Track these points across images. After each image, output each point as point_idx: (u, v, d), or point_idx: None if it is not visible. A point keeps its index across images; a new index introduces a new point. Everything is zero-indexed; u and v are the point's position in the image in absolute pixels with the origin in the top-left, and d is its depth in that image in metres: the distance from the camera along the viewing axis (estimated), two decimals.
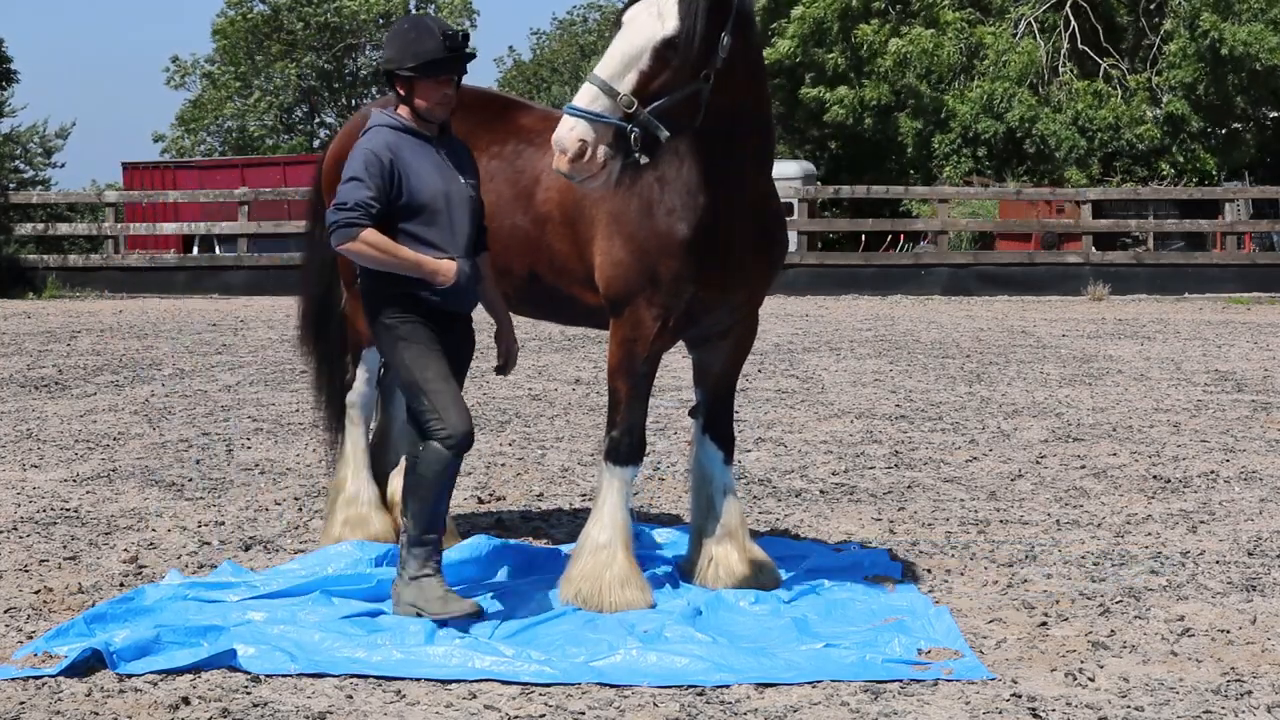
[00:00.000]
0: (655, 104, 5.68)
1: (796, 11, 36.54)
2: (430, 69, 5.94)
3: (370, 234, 5.84)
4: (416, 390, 5.91)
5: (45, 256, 28.20)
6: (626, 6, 5.89)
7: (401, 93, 6.02)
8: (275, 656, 5.57)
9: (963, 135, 35.48)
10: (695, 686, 5.36)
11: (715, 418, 6.64)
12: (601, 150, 5.61)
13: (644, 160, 5.73)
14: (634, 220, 6.19)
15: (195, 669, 5.47)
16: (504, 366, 6.30)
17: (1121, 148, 34.82)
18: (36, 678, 5.36)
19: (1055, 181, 33.78)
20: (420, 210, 5.93)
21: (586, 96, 5.64)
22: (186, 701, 5.18)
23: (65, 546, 7.44)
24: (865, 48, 35.68)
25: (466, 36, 6.05)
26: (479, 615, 5.91)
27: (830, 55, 35.85)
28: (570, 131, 5.57)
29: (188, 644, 5.60)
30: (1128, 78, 35.65)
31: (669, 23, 5.72)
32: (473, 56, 6.06)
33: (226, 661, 5.53)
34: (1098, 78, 35.73)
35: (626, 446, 6.32)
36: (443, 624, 5.83)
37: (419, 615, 5.88)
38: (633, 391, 6.30)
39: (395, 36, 6.04)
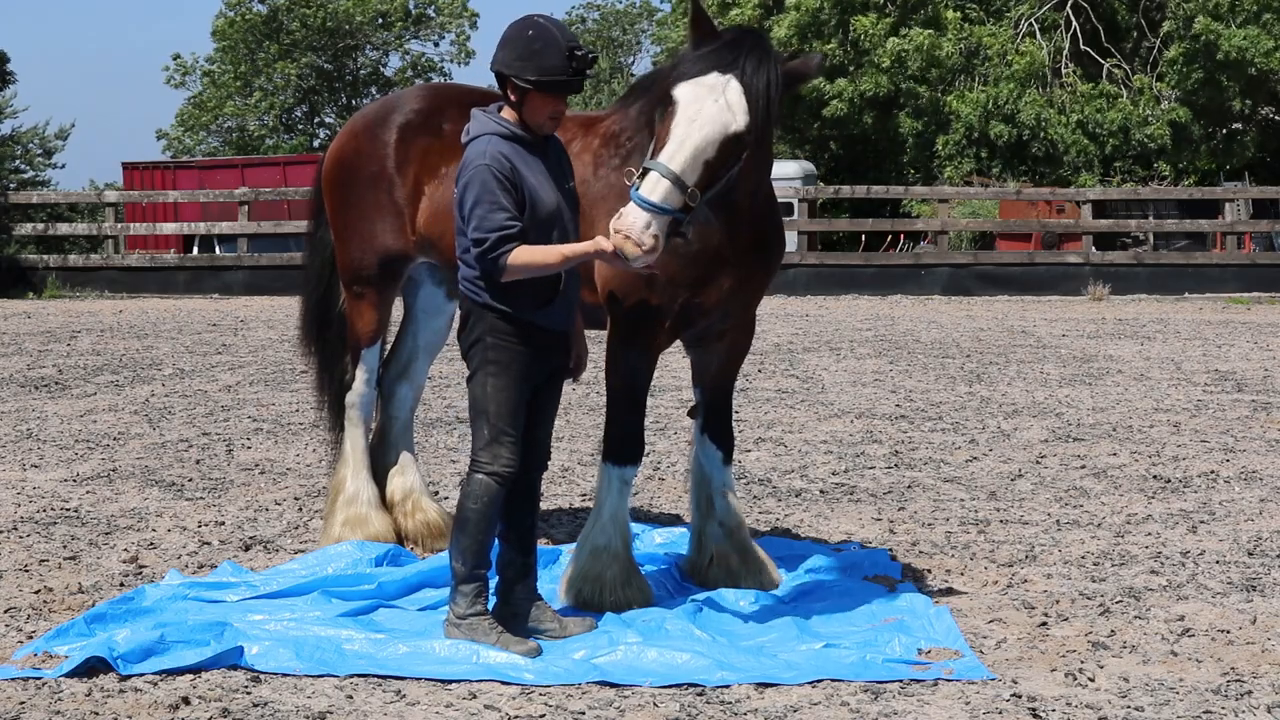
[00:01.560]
0: (710, 190, 5.65)
1: (793, 0, 36.53)
2: (551, 87, 5.66)
3: (515, 255, 5.58)
4: (480, 416, 5.73)
5: (45, 256, 28.19)
6: (675, 80, 5.73)
7: (513, 98, 5.74)
8: (280, 654, 5.57)
9: (967, 137, 35.47)
10: (696, 685, 5.36)
11: (714, 417, 6.65)
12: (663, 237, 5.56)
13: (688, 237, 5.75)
14: None
15: (199, 668, 5.48)
16: (574, 370, 6.08)
17: (1132, 149, 34.80)
18: (37, 678, 5.36)
19: (1059, 183, 33.78)
20: (538, 225, 5.69)
21: (661, 191, 5.51)
22: (186, 701, 5.18)
23: (65, 546, 7.44)
24: (865, 39, 35.66)
25: (595, 59, 5.81)
26: (538, 654, 5.67)
27: (829, 46, 35.81)
28: (647, 230, 5.46)
29: (194, 643, 5.59)
30: (1132, 78, 35.65)
31: (740, 118, 5.64)
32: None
33: (234, 659, 5.53)
34: (1101, 78, 35.73)
35: (626, 446, 6.32)
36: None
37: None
38: (631, 391, 6.30)
39: (517, 41, 5.68)
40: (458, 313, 7.62)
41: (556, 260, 5.65)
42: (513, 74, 5.68)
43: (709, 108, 5.65)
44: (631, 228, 5.46)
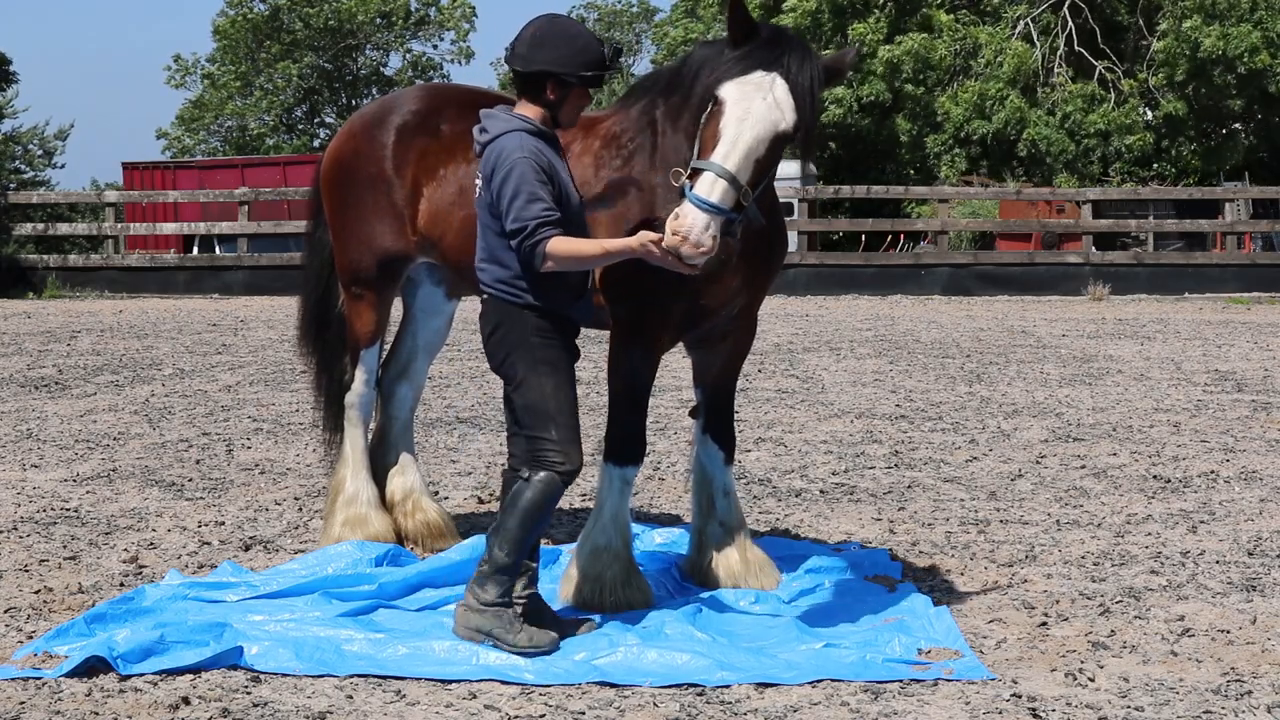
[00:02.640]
0: (757, 189, 5.63)
1: (790, 3, 36.52)
2: (596, 81, 5.72)
3: (554, 243, 5.57)
4: (545, 419, 5.68)
5: (45, 256, 28.22)
6: (719, 79, 5.68)
7: (552, 97, 5.74)
8: (280, 654, 5.57)
9: (954, 135, 35.50)
10: (696, 686, 5.36)
11: (715, 418, 6.65)
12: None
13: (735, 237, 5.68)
14: (634, 222, 6.19)
15: (199, 668, 5.48)
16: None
17: (1109, 154, 34.84)
18: (37, 678, 5.36)
19: (1048, 183, 33.80)
20: (568, 220, 5.70)
21: (719, 191, 5.48)
22: (186, 701, 5.18)
23: (65, 546, 7.44)
24: (862, 45, 35.69)
25: (621, 50, 5.87)
26: (557, 647, 5.68)
27: (826, 51, 35.83)
28: (706, 231, 5.43)
29: (194, 643, 5.59)
30: (1122, 81, 35.66)
31: (789, 116, 5.62)
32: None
33: (233, 660, 5.53)
34: (1092, 80, 35.73)
35: (626, 446, 6.31)
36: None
37: (489, 643, 5.64)
38: (633, 392, 6.30)
39: (558, 39, 5.71)
40: (454, 314, 7.70)
41: (597, 253, 5.66)
42: (562, 70, 5.69)
43: (758, 106, 5.62)
44: (692, 229, 5.43)
